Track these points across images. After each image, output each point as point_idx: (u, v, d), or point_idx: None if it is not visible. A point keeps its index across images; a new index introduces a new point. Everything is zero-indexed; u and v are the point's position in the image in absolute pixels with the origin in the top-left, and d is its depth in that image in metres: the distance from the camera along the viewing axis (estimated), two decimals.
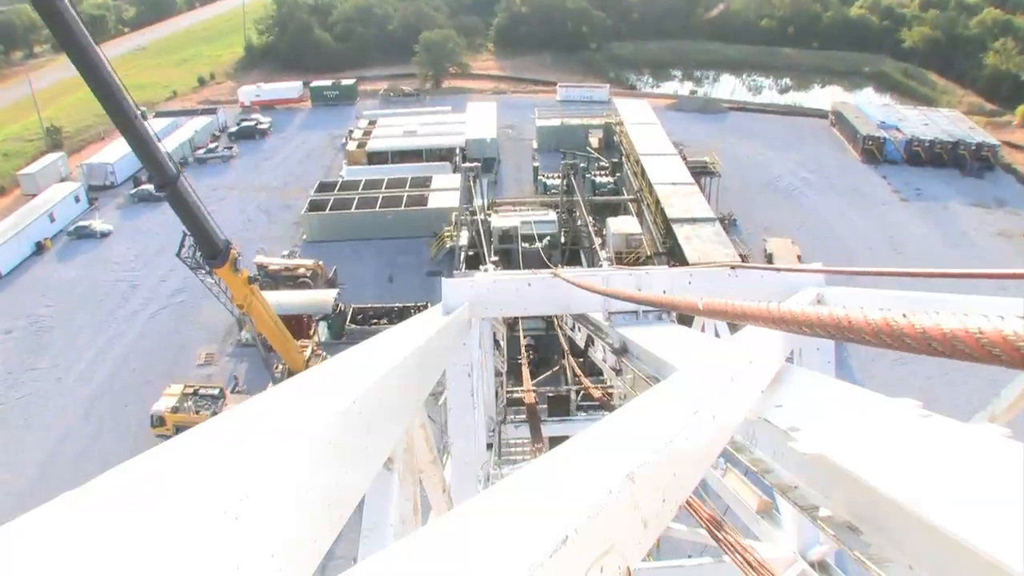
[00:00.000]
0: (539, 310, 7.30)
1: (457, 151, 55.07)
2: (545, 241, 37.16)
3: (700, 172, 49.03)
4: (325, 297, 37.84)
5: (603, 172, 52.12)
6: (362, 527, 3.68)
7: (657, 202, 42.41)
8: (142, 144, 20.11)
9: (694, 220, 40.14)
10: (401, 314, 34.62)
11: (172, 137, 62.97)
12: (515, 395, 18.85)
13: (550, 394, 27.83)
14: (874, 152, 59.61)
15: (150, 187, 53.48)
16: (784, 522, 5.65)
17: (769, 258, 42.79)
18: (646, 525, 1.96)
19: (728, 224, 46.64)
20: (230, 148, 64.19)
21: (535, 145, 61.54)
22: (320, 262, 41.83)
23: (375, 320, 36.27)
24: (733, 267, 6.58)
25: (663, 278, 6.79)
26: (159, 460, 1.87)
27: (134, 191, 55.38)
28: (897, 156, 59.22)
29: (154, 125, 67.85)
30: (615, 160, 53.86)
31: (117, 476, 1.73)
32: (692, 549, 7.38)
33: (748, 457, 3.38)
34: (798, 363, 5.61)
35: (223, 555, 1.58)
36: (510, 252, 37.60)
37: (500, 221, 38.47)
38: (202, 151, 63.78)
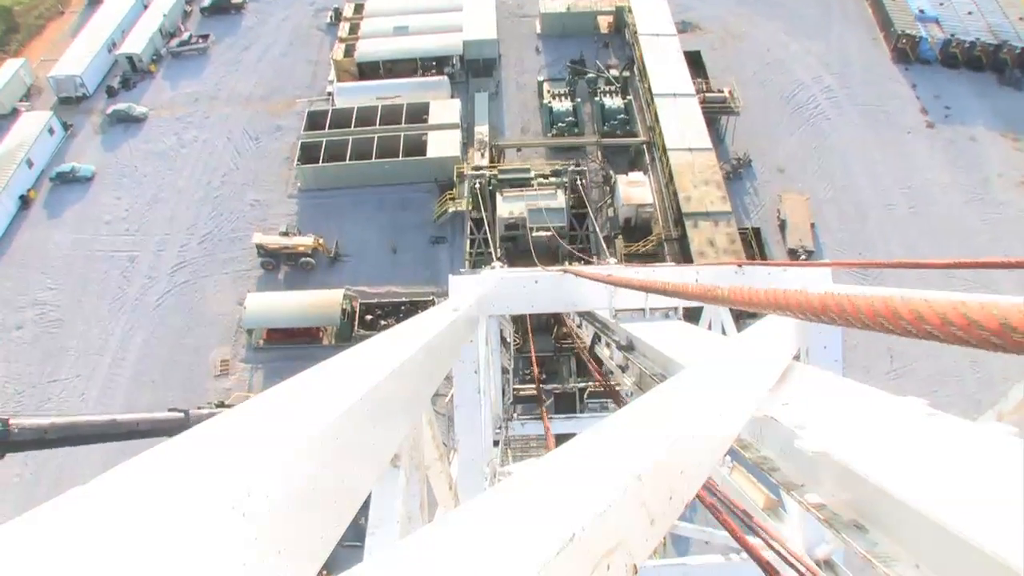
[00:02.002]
0: (547, 307, 7.29)
1: (454, 59, 51.92)
2: (552, 230, 36.40)
3: (718, 111, 46.08)
4: (332, 303, 37.18)
5: (613, 91, 48.22)
6: (368, 524, 3.68)
7: (671, 175, 40.56)
8: (139, 431, 17.73)
9: (708, 214, 38.36)
10: (408, 312, 34.52)
11: (140, 27, 58.04)
12: (521, 393, 18.85)
13: (556, 391, 27.81)
14: (907, 52, 53.97)
15: (126, 107, 51.76)
16: (790, 520, 5.63)
17: (782, 224, 41.57)
18: (653, 522, 1.96)
19: (743, 165, 44.91)
20: (205, 37, 58.96)
21: (538, 30, 56.46)
22: (321, 240, 40.64)
23: (384, 323, 36.16)
24: (740, 265, 6.57)
25: (670, 277, 6.77)
26: (165, 456, 1.87)
27: (111, 111, 52.02)
28: (931, 56, 53.71)
29: (119, 5, 60.44)
30: (626, 74, 49.70)
31: (123, 472, 1.72)
32: (698, 547, 7.36)
33: (754, 455, 3.37)
34: (805, 361, 5.60)
35: (229, 552, 1.58)
36: (516, 238, 37.03)
37: (505, 209, 37.54)
38: (176, 42, 58.60)
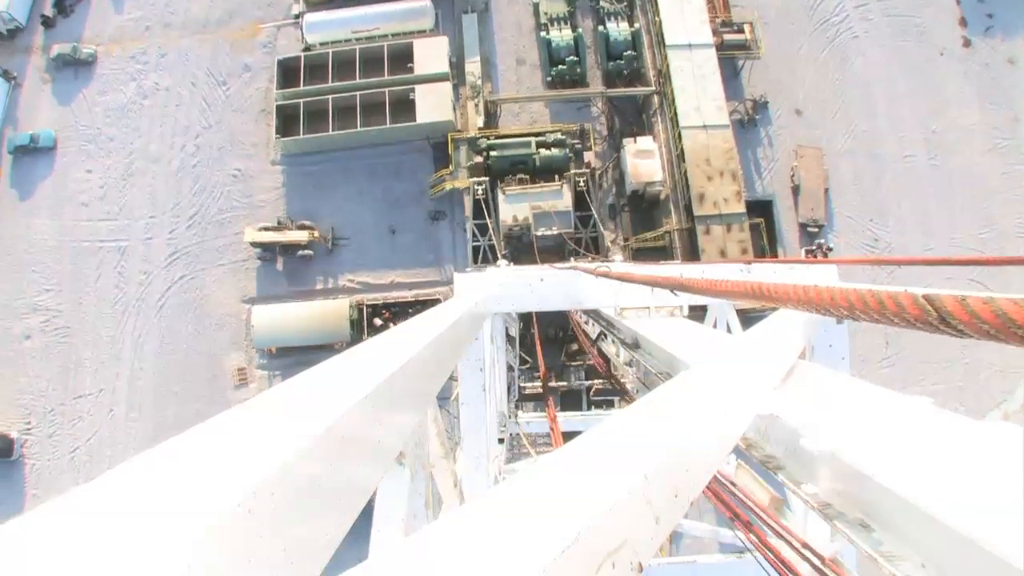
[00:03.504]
0: (552, 305, 7.32)
1: None
2: (555, 230, 35.77)
3: (737, 56, 42.05)
4: (339, 316, 37.24)
5: (618, 13, 42.90)
6: (373, 521, 3.69)
7: (682, 152, 38.01)
8: None
9: (721, 216, 36.72)
10: (417, 315, 34.56)
11: None
12: (527, 391, 18.87)
13: (563, 389, 27.90)
14: None
15: (71, 48, 45.67)
16: (795, 519, 5.63)
17: (796, 189, 39.86)
18: (658, 521, 1.97)
19: (758, 106, 41.59)
20: None
21: None
22: (316, 232, 39.66)
23: (393, 327, 36.16)
24: (748, 263, 6.58)
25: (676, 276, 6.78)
26: (171, 454, 1.88)
27: (54, 55, 46.04)
28: None
29: None
30: None
31: (128, 470, 1.73)
32: (704, 545, 7.39)
33: (760, 453, 3.37)
34: (811, 359, 5.59)
35: (235, 548, 1.58)
36: (521, 236, 36.47)
37: (508, 213, 36.49)
38: None
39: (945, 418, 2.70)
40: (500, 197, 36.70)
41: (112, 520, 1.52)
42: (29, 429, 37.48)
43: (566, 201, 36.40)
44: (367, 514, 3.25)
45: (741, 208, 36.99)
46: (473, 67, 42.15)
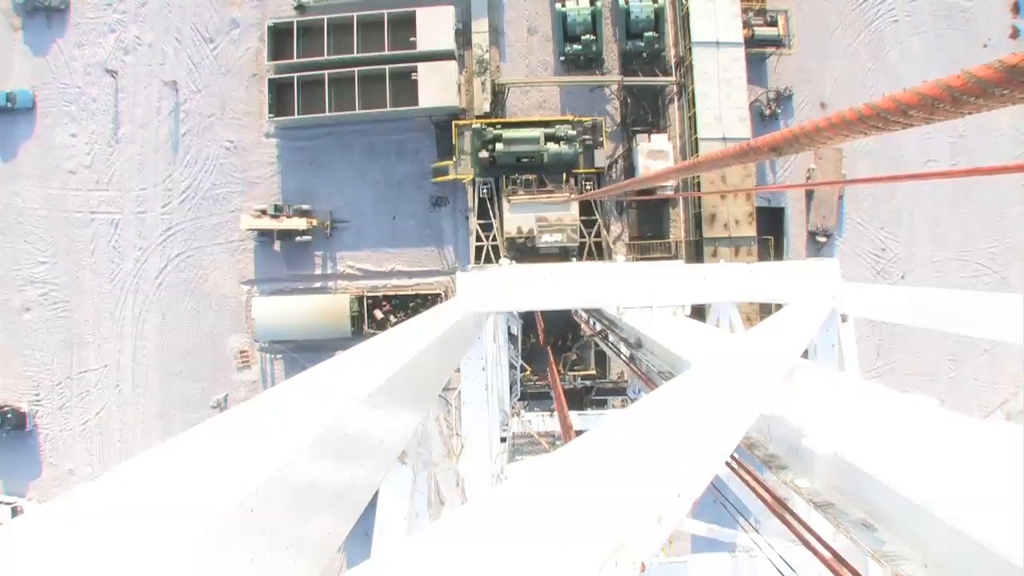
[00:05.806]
0: (553, 304, 7.32)
1: None
2: (561, 241, 35.40)
3: (767, 51, 39.93)
4: (340, 312, 37.45)
5: None
6: (376, 520, 3.70)
7: (697, 158, 36.55)
8: None
9: (731, 239, 35.86)
10: (418, 308, 34.45)
11: None
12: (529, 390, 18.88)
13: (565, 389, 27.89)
14: None
15: None
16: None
17: (809, 194, 38.81)
18: (660, 520, 1.98)
19: (782, 98, 39.76)
20: None
21: None
22: (313, 221, 38.99)
23: (394, 319, 36.14)
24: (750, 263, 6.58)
25: (680, 276, 6.79)
26: (175, 452, 1.88)
27: None
28: None
29: None
30: None
31: (132, 468, 1.74)
32: (708, 544, 7.38)
33: (763, 452, 3.38)
34: (814, 359, 5.59)
35: (238, 546, 1.59)
36: (525, 243, 36.06)
37: (513, 224, 35.73)
38: None
39: (948, 418, 2.70)
40: (505, 205, 36.35)
41: (116, 519, 1.53)
42: (39, 400, 38.53)
43: (573, 214, 36.08)
44: (370, 512, 3.26)
45: (752, 231, 36.23)
46: (480, 38, 39.84)
